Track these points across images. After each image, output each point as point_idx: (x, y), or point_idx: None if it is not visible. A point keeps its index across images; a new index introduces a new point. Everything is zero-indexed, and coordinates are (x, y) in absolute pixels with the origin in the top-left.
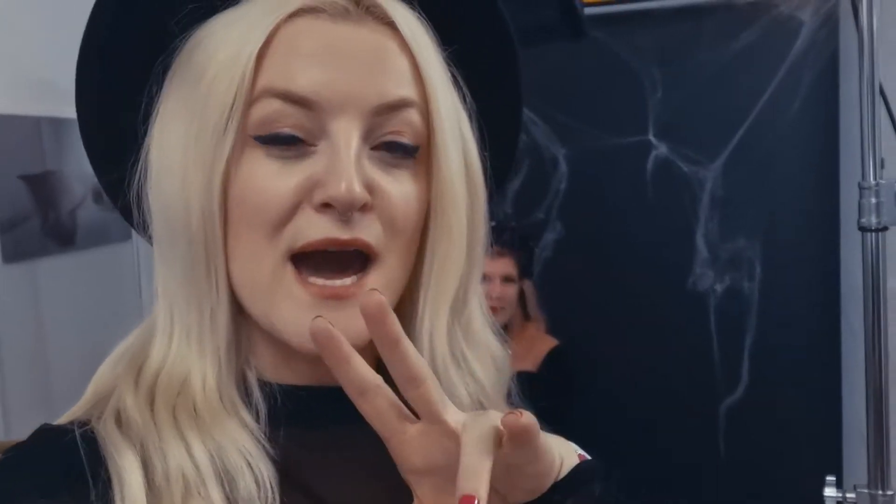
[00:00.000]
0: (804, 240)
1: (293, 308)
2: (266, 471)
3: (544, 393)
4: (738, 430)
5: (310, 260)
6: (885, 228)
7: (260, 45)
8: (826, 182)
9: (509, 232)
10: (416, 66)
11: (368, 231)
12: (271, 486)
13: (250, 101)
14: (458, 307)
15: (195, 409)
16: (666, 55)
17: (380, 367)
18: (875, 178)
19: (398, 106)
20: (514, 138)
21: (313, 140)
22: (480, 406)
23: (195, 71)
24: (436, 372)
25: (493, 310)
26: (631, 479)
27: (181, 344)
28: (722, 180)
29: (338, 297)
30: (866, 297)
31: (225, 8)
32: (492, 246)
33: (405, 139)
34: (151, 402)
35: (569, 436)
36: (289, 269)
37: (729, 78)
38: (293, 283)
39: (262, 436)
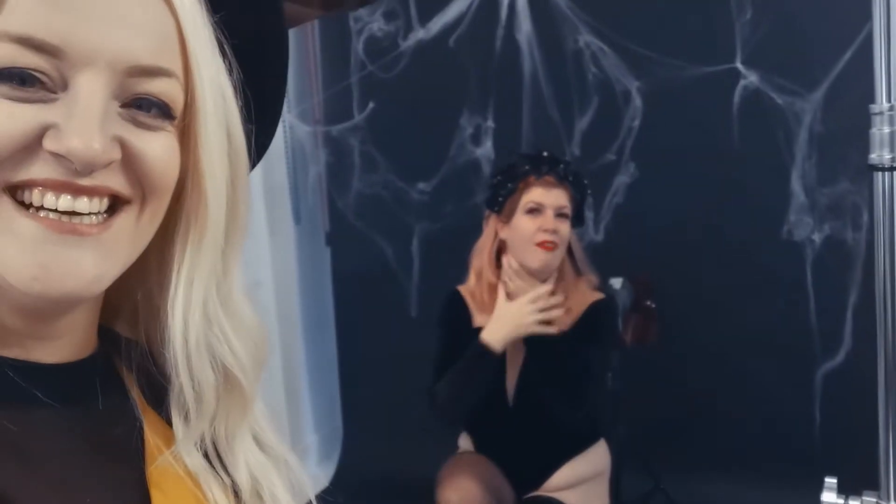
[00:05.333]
0: None
1: (15, 243)
2: None
3: (570, 350)
4: (837, 400)
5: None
6: None
7: None
8: None
9: (564, 165)
10: (180, 30)
11: (115, 181)
12: None
13: None
14: (217, 279)
15: None
16: None
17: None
18: None
19: (155, 73)
20: (277, 110)
21: (54, 88)
22: (235, 381)
23: None
24: (188, 348)
25: (548, 246)
26: (714, 448)
27: None
28: (822, 114)
29: (78, 234)
30: None
31: None
32: (545, 175)
33: (159, 101)
34: None
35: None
36: (5, 200)
37: None
38: (14, 216)
39: None
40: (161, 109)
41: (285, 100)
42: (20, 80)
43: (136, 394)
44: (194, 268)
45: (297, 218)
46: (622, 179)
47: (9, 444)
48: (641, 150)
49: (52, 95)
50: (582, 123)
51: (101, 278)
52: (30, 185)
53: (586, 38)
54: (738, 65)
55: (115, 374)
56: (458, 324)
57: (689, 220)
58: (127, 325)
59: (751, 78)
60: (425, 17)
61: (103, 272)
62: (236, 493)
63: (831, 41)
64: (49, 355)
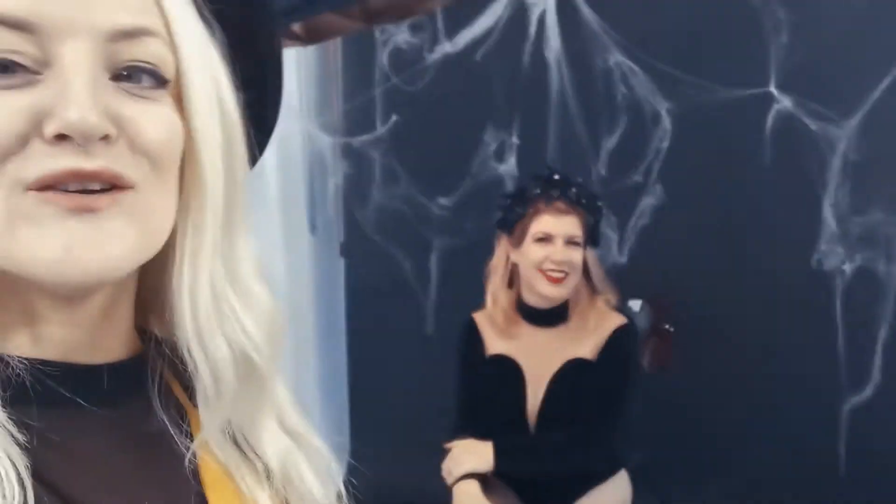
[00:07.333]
0: None
1: (36, 228)
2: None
3: (598, 379)
4: (863, 437)
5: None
6: None
7: None
8: None
9: (576, 187)
10: None
11: (118, 161)
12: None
13: None
14: (223, 254)
15: None
16: None
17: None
18: None
19: (135, 34)
20: (276, 79)
21: (37, 68)
22: (250, 361)
23: None
24: (198, 324)
25: (556, 280)
26: (732, 480)
27: None
28: (857, 141)
29: (90, 210)
30: None
31: None
32: (555, 201)
33: (149, 66)
34: None
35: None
36: (29, 196)
37: (870, 19)
38: (32, 206)
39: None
40: (153, 76)
41: (307, 110)
42: (1, 68)
43: (180, 394)
44: (198, 246)
45: (313, 228)
46: (648, 201)
47: (56, 447)
48: (669, 172)
49: (37, 77)
50: (609, 143)
51: (126, 256)
52: (45, 182)
53: (617, 58)
54: (772, 89)
55: (159, 376)
56: (470, 356)
57: (716, 245)
58: (160, 323)
59: (784, 102)
60: (452, 30)
61: (126, 249)
62: (269, 481)
63: (868, 68)
64: (89, 356)
